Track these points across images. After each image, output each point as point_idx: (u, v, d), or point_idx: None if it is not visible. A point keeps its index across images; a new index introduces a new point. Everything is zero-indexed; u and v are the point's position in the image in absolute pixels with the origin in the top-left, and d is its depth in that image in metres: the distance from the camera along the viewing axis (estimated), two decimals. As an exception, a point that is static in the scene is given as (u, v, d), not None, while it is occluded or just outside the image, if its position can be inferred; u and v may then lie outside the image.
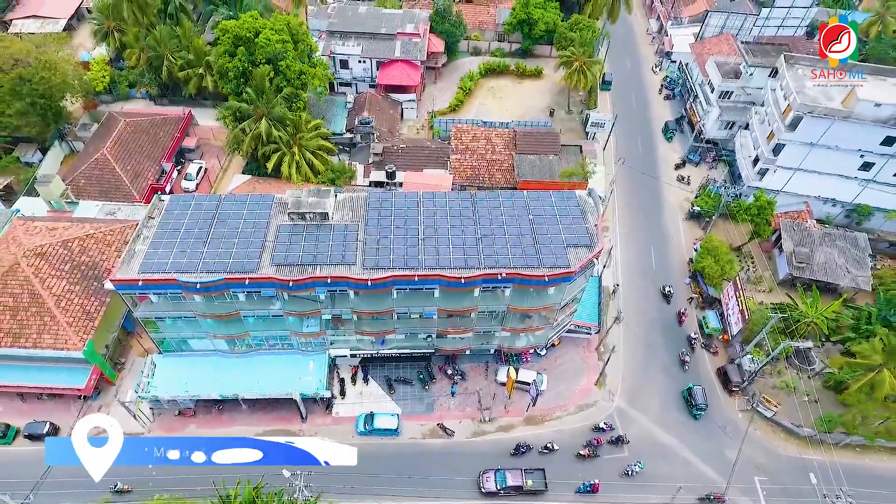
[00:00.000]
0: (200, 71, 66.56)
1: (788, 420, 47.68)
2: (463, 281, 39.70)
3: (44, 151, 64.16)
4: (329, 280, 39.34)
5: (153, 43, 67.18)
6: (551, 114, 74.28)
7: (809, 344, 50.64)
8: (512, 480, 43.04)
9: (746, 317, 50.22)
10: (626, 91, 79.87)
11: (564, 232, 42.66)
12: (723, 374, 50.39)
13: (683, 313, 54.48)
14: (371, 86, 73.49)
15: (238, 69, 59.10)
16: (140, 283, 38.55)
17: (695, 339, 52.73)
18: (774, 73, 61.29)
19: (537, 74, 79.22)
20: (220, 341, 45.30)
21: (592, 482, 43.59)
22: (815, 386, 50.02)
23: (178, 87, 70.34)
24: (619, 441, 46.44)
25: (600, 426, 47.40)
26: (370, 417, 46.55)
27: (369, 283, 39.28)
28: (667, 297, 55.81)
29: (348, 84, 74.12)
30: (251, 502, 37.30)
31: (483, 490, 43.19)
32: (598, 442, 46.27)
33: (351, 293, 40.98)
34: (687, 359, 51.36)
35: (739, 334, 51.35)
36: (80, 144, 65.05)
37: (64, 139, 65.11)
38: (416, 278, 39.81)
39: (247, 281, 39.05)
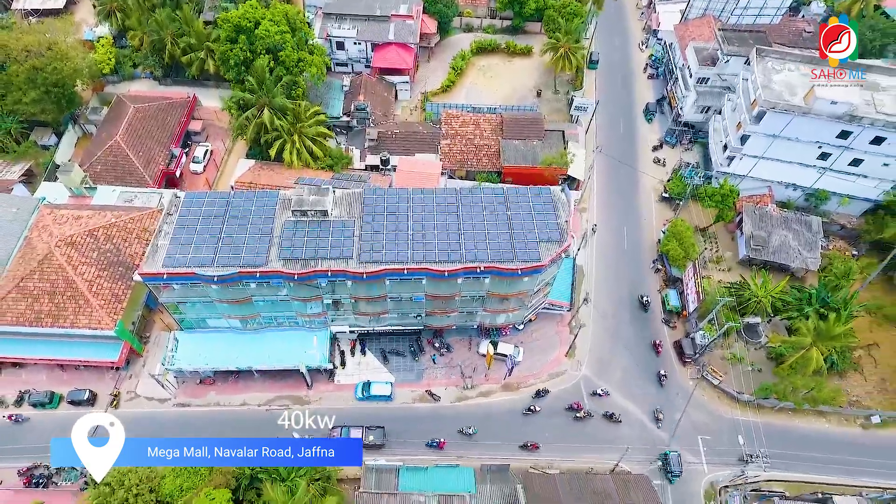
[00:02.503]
0: (202, 55, 69.70)
1: (732, 387, 54.59)
2: (446, 274, 45.48)
3: (58, 134, 68.25)
4: (329, 273, 45.07)
5: (155, 26, 70.00)
6: (538, 94, 77.78)
7: (757, 320, 57.05)
8: (353, 434, 49.11)
9: (701, 297, 56.41)
10: (613, 69, 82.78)
11: (538, 227, 47.99)
12: (678, 347, 56.92)
13: (659, 344, 56.35)
14: (367, 66, 76.56)
15: (239, 57, 62.52)
16: (164, 276, 44.31)
17: (665, 376, 54.66)
18: (749, 60, 64.70)
19: (527, 53, 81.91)
20: (234, 321, 51.43)
21: (439, 440, 50.39)
22: (760, 357, 56.80)
23: (181, 67, 73.42)
24: (611, 417, 52.71)
25: (597, 392, 53.93)
26: (367, 385, 53.29)
27: (364, 276, 45.04)
28: (644, 305, 59.56)
29: (344, 64, 77.19)
30: (267, 460, 44.41)
31: None
32: (577, 406, 53.03)
33: (349, 282, 46.72)
34: (661, 416, 52.54)
35: (695, 311, 57.57)
36: (91, 126, 69.11)
37: (76, 122, 69.06)
38: (406, 271, 45.55)
39: (257, 274, 44.76)
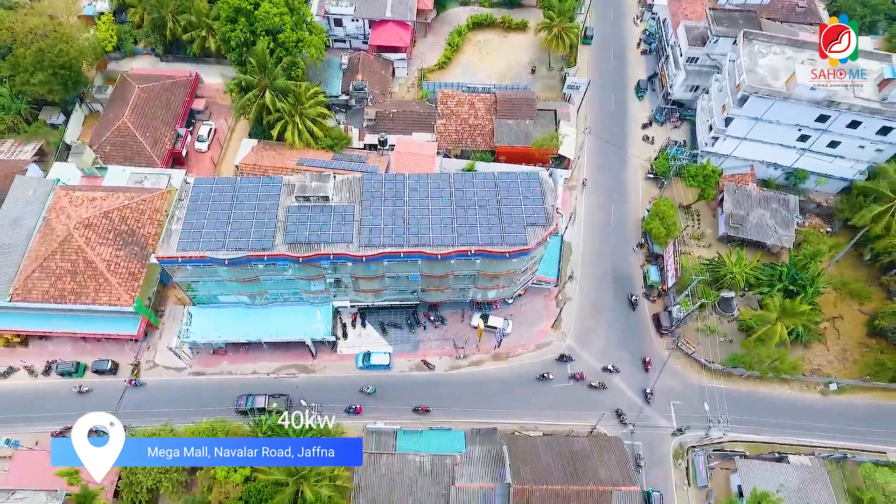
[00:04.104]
0: (203, 33, 71.11)
1: (704, 357, 59.07)
2: (440, 256, 49.16)
3: (66, 113, 70.43)
4: (331, 256, 48.74)
5: (155, 3, 71.09)
6: (533, 71, 79.40)
7: (731, 294, 61.08)
8: (258, 403, 53.17)
9: (679, 273, 60.29)
10: (607, 45, 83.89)
11: (526, 212, 51.30)
12: (656, 320, 61.14)
13: (649, 362, 57.90)
14: (364, 42, 77.90)
15: (240, 39, 64.17)
16: (179, 259, 47.97)
17: (651, 395, 56.64)
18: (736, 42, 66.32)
19: (523, 27, 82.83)
20: (243, 297, 55.36)
21: (356, 406, 54.36)
22: (732, 329, 61.12)
23: (182, 44, 74.70)
24: (619, 414, 56.12)
25: (608, 367, 57.98)
26: (367, 355, 57.70)
27: (364, 259, 48.73)
28: (633, 304, 61.75)
29: (342, 40, 78.53)
30: (277, 424, 49.26)
31: (237, 409, 53.47)
32: (581, 376, 57.32)
33: (349, 264, 50.40)
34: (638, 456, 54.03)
35: (674, 287, 61.51)
36: (97, 105, 71.31)
37: (83, 101, 71.13)
38: (403, 254, 49.21)
39: (265, 257, 48.39)
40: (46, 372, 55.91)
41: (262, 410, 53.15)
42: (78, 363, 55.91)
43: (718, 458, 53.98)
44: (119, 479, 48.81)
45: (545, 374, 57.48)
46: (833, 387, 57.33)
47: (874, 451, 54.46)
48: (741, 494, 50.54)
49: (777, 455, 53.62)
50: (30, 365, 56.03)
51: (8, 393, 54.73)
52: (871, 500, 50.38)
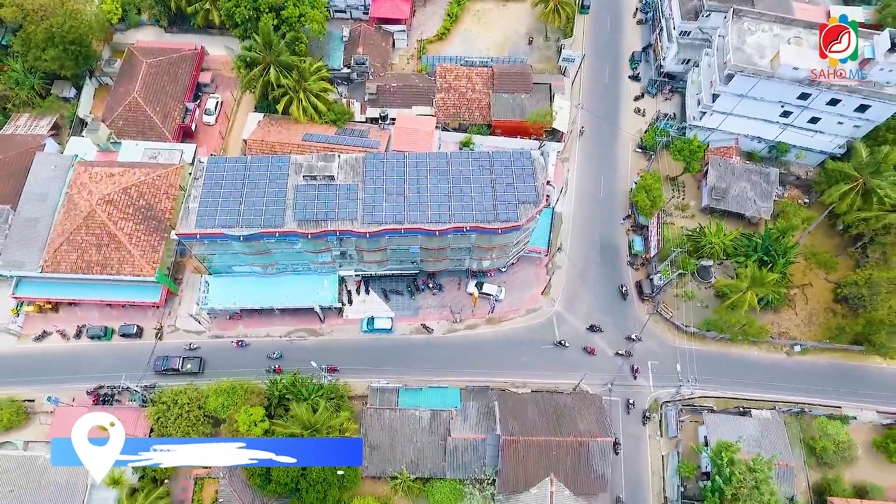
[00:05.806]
0: (207, 6, 72.58)
1: (681, 321, 64.08)
2: (437, 233, 53.31)
3: (77, 87, 72.80)
4: (338, 232, 52.85)
5: (157, -24, 72.33)
6: (530, 42, 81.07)
7: (710, 263, 65.50)
8: (171, 364, 58.03)
9: (662, 243, 64.54)
10: (603, 13, 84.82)
11: (517, 190, 55.11)
12: (639, 287, 65.82)
13: (636, 370, 60.89)
14: (365, 12, 79.25)
15: (244, 15, 66.07)
16: (197, 236, 52.12)
17: (633, 405, 59.58)
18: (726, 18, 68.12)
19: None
20: (256, 267, 59.79)
21: (275, 366, 58.97)
22: (709, 295, 65.88)
23: (186, 15, 76.10)
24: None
25: (632, 337, 62.47)
26: (371, 320, 62.65)
27: (367, 235, 52.89)
28: (624, 295, 65.10)
29: (343, 11, 79.85)
30: (292, 383, 54.78)
31: (156, 371, 58.59)
32: (591, 350, 61.96)
33: (354, 238, 54.55)
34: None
35: (656, 256, 65.89)
36: (106, 78, 73.68)
37: (92, 75, 73.37)
38: (403, 230, 53.33)
39: (276, 233, 52.53)
40: (77, 335, 60.95)
41: (176, 371, 57.98)
42: (106, 327, 60.90)
43: (688, 412, 59.79)
44: (151, 431, 54.57)
45: (562, 342, 62.14)
46: (797, 348, 62.61)
47: (830, 406, 60.24)
48: (707, 444, 56.54)
49: (742, 409, 59.38)
50: (62, 329, 61.03)
51: (45, 355, 60.03)
52: (823, 449, 56.53)
